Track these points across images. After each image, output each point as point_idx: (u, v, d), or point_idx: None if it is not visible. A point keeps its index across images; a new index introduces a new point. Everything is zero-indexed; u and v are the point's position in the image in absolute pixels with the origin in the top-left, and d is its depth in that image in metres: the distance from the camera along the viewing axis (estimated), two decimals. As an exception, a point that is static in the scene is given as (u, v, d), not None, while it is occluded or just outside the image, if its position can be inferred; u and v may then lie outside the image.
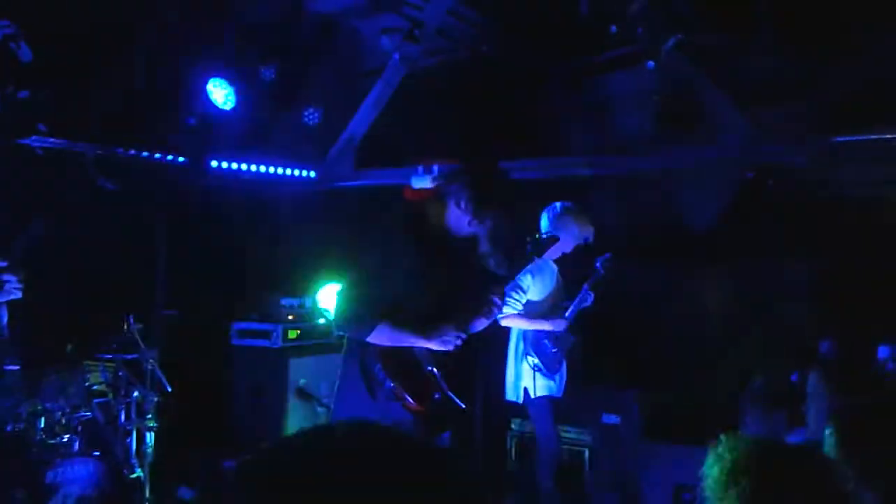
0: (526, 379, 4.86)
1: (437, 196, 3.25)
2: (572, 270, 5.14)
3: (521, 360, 4.89)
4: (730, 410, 3.63)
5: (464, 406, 3.21)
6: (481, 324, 3.37)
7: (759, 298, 5.95)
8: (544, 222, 4.87)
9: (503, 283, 3.48)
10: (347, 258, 3.30)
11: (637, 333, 6.40)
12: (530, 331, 4.90)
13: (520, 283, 4.81)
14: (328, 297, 5.83)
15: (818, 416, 2.57)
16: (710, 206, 5.91)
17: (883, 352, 4.58)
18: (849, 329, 5.14)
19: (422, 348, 3.14)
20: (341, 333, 3.37)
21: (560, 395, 4.98)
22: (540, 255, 3.86)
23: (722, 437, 1.80)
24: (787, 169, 5.69)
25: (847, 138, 5.36)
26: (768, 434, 2.98)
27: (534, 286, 4.87)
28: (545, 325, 4.86)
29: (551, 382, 4.90)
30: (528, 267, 4.80)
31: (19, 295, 3.56)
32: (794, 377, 3.07)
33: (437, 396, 3.14)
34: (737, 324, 5.93)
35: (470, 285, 3.41)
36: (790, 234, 5.67)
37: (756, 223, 5.77)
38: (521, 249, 4.27)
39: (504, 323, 4.83)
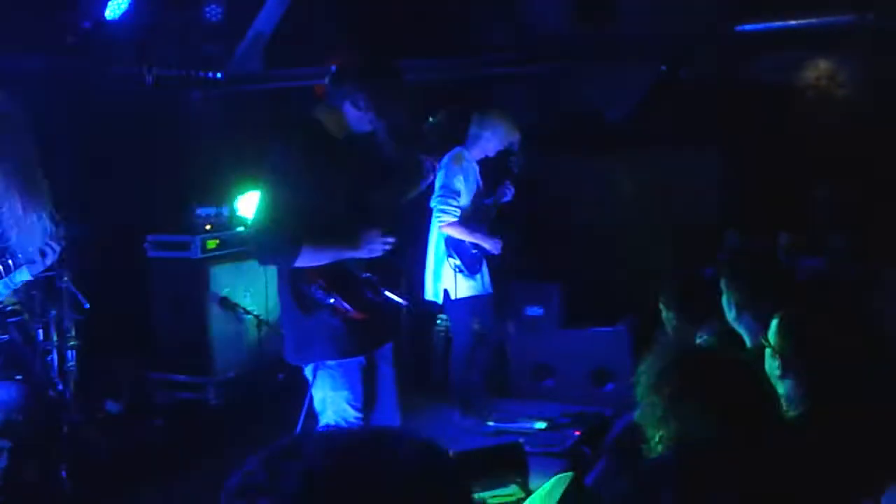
0: (446, 280, 4.93)
1: (330, 99, 3.19)
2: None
3: (442, 261, 4.94)
4: (642, 299, 3.81)
5: (405, 302, 3.26)
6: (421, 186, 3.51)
7: (671, 189, 6.14)
8: (472, 123, 4.93)
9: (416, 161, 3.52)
10: (260, 169, 3.22)
11: (553, 226, 6.56)
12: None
13: (454, 185, 4.81)
14: (247, 204, 5.71)
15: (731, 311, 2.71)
16: (625, 99, 5.99)
17: (783, 238, 4.82)
18: (756, 218, 5.39)
19: (350, 258, 3.14)
20: (266, 265, 3.34)
21: (490, 290, 5.09)
22: (438, 138, 3.89)
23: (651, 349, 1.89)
24: (698, 59, 5.79)
25: (753, 26, 5.47)
26: (683, 331, 3.12)
27: (464, 187, 4.88)
28: (485, 244, 4.90)
29: (473, 282, 4.98)
30: (457, 168, 4.83)
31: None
32: (708, 271, 3.19)
33: (378, 301, 3.16)
34: (651, 215, 6.13)
35: (383, 181, 3.42)
36: (703, 125, 5.82)
37: (669, 114, 5.90)
38: (420, 141, 4.31)
39: (445, 231, 4.85)
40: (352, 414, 3.14)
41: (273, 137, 3.13)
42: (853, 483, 1.72)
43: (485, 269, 5.05)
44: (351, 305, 3.03)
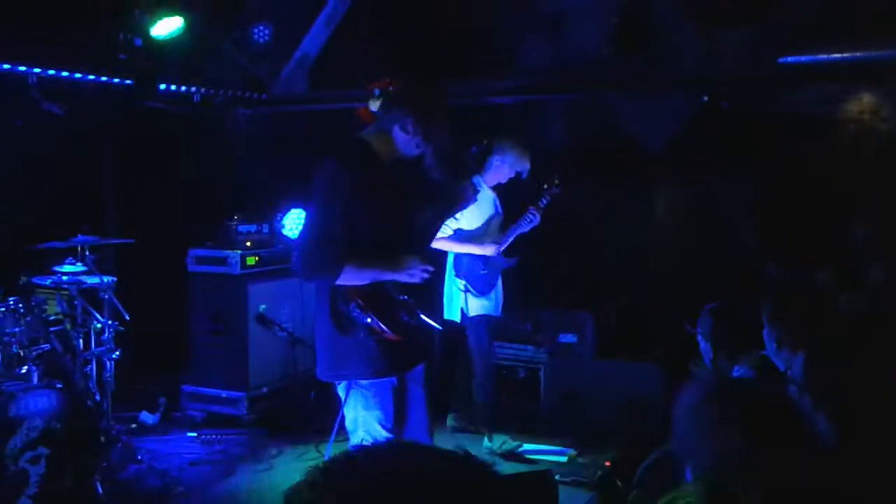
0: (459, 300, 5.06)
1: (379, 122, 3.22)
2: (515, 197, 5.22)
3: (453, 283, 5.08)
4: (678, 329, 3.77)
5: (439, 327, 3.28)
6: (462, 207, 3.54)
7: (710, 219, 6.09)
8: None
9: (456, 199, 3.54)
10: (304, 188, 3.26)
11: (590, 255, 6.53)
12: (460, 254, 5.05)
13: None
14: (291, 223, 5.80)
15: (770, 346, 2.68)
16: (664, 128, 5.97)
17: (821, 274, 4.74)
18: (794, 249, 5.32)
19: (389, 280, 3.17)
20: (309, 281, 3.37)
21: (498, 314, 5.19)
22: (479, 166, 3.90)
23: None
24: (740, 90, 5.76)
25: (795, 59, 5.44)
26: (720, 364, 3.09)
27: (468, 215, 4.88)
28: (474, 249, 5.01)
29: (486, 302, 5.08)
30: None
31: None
32: (746, 304, 3.16)
33: (413, 324, 3.18)
34: (689, 246, 6.08)
35: (428, 209, 3.44)
36: (743, 156, 5.77)
37: (709, 145, 5.86)
38: (461, 168, 4.33)
39: (433, 246, 4.89)
40: (383, 434, 3.15)
41: (324, 156, 3.16)
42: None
43: (498, 291, 5.14)
44: (387, 326, 3.05)
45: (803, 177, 5.72)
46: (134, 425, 5.28)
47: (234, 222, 5.60)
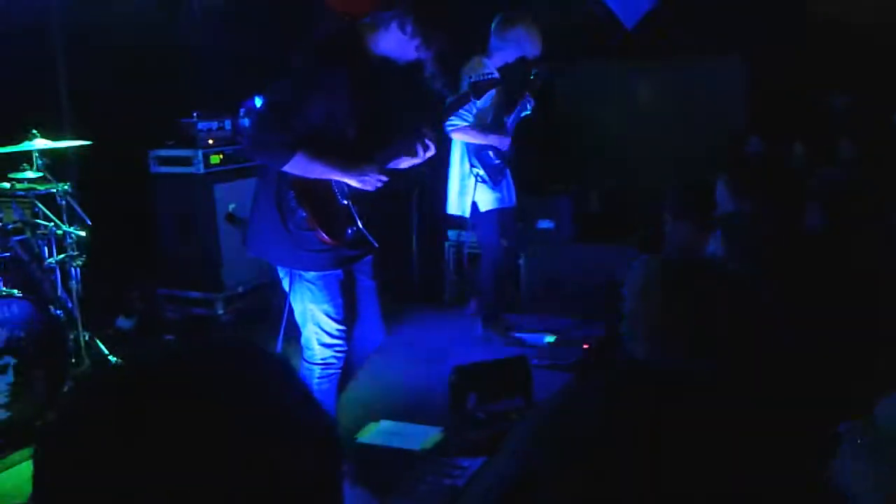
0: (472, 193, 4.87)
1: (375, 18, 3.00)
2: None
3: (468, 173, 4.87)
4: (659, 212, 3.66)
5: (376, 244, 3.15)
6: (407, 163, 3.20)
7: (692, 98, 5.90)
8: (495, 30, 4.74)
9: (436, 119, 3.34)
10: (268, 77, 3.08)
11: (569, 136, 6.37)
12: (471, 143, 4.82)
13: None
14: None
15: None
16: (638, 5, 5.71)
17: (798, 148, 4.61)
18: (775, 125, 5.16)
19: (340, 182, 3.03)
20: (255, 160, 3.23)
21: (512, 203, 5.05)
22: (479, 97, 3.75)
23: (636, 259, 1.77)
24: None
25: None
26: (685, 243, 2.99)
27: (482, 102, 4.71)
28: (493, 141, 4.82)
29: (497, 194, 4.93)
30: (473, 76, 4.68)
31: None
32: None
33: (350, 231, 3.06)
34: (668, 124, 5.92)
35: (402, 118, 3.26)
36: (720, 30, 5.54)
37: (685, 21, 5.63)
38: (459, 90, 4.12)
39: (453, 135, 4.78)
40: (333, 326, 3.08)
41: (303, 41, 2.97)
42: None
43: (509, 180, 5.00)
44: (321, 226, 2.93)
45: (787, 51, 5.51)
46: (111, 331, 5.24)
47: (195, 119, 5.39)
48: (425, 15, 2.95)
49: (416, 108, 3.38)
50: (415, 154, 3.12)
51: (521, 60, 4.86)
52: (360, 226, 3.07)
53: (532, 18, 4.81)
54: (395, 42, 2.99)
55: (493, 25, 4.79)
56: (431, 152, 3.15)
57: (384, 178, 3.04)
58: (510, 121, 4.92)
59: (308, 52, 2.95)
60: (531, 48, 4.76)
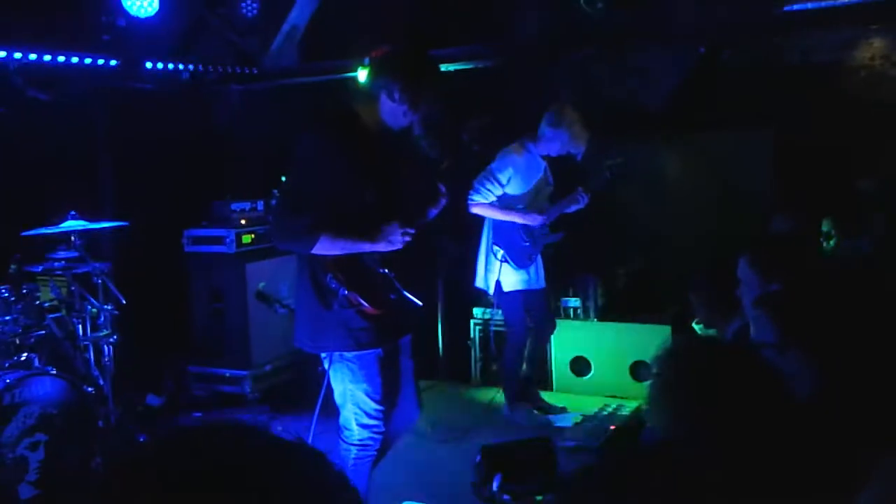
0: (496, 272, 4.86)
1: (367, 91, 3.13)
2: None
3: (490, 251, 4.89)
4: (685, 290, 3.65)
5: (420, 304, 3.20)
6: (430, 214, 3.33)
7: (717, 174, 5.92)
8: (550, 122, 4.76)
9: (444, 169, 3.42)
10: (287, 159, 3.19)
11: (595, 216, 6.39)
12: (501, 222, 4.85)
13: (497, 174, 4.77)
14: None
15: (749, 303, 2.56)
16: (664, 83, 5.81)
17: (825, 225, 4.59)
18: (803, 202, 5.15)
19: (368, 252, 3.09)
20: (283, 249, 3.32)
21: (540, 286, 5.00)
22: (478, 140, 3.78)
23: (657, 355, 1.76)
24: (739, 39, 5.59)
25: (801, 6, 5.25)
26: (712, 324, 2.99)
27: (515, 180, 4.79)
28: (517, 218, 4.80)
29: (524, 276, 4.90)
30: (512, 159, 4.76)
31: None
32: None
33: (392, 297, 3.11)
34: (695, 201, 5.93)
35: (412, 177, 3.35)
36: (747, 106, 5.60)
37: (711, 98, 5.69)
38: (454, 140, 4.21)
39: (474, 211, 4.82)
40: (372, 406, 3.10)
41: (304, 127, 3.08)
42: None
43: (538, 263, 4.97)
44: (365, 300, 2.98)
45: (814, 127, 5.54)
46: (140, 408, 5.29)
47: (228, 200, 5.54)
48: (410, 79, 3.03)
49: (423, 169, 3.48)
50: (436, 203, 3.25)
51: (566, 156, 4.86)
52: (402, 290, 3.13)
53: (582, 116, 4.78)
54: (388, 109, 3.08)
55: (547, 114, 4.77)
56: (446, 200, 3.31)
57: (411, 231, 3.10)
58: (553, 210, 4.89)
59: (313, 131, 3.05)
60: (570, 146, 4.77)
